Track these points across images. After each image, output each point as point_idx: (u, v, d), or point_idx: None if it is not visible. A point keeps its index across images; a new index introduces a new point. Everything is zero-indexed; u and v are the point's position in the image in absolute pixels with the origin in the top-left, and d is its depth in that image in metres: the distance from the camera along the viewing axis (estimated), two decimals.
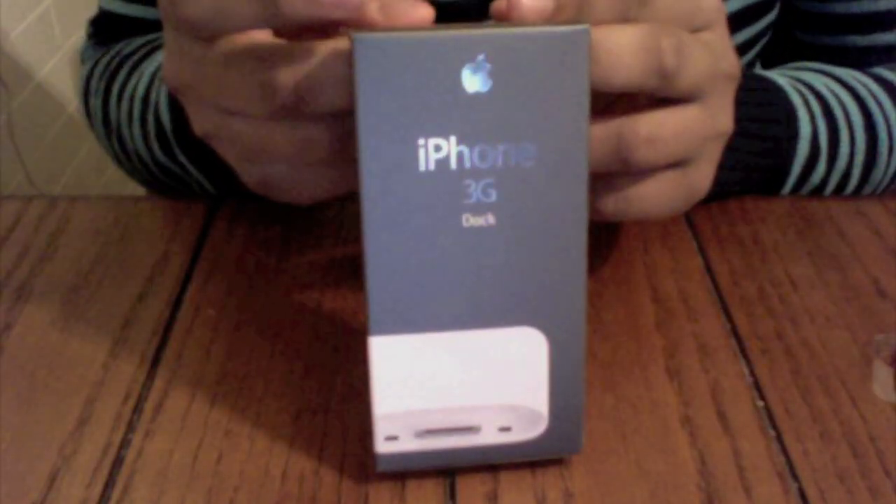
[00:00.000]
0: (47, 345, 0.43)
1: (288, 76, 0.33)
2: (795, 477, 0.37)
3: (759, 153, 0.50)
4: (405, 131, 0.30)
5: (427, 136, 0.30)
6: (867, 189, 0.55)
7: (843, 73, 0.56)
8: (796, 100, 0.52)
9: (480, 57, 0.30)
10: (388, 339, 0.33)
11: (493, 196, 0.31)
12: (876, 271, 0.48)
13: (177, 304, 0.45)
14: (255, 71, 0.34)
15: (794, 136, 0.51)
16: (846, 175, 0.54)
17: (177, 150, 0.52)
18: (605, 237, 0.50)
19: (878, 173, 0.55)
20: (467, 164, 0.31)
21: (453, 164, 0.31)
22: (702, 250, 0.49)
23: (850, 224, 0.51)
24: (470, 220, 0.31)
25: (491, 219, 0.31)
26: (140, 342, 0.43)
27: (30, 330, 0.44)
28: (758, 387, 0.41)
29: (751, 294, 0.46)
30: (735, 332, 0.44)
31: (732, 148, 0.43)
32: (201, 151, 0.47)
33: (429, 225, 0.31)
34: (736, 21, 0.56)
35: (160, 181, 0.57)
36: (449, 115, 0.30)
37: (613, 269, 0.48)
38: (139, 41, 0.59)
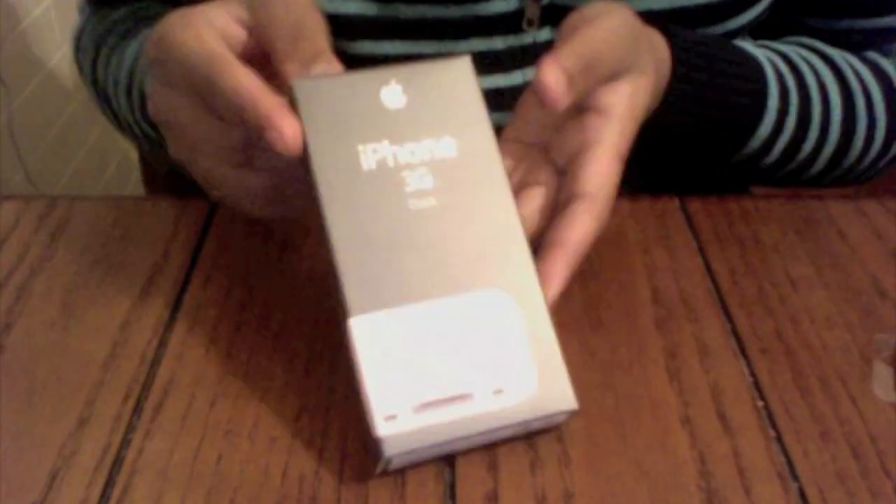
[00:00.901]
0: (47, 345, 0.43)
1: (242, 140, 0.40)
2: (795, 477, 0.37)
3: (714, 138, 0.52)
4: (346, 142, 0.37)
5: (364, 143, 0.37)
6: (836, 172, 0.56)
7: (840, 61, 0.56)
8: (772, 103, 0.52)
9: (393, 82, 0.38)
10: (367, 318, 0.35)
11: (430, 182, 0.37)
12: (876, 271, 0.48)
13: (177, 304, 0.45)
14: (217, 130, 0.40)
15: (749, 134, 0.53)
16: (806, 165, 0.56)
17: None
18: (605, 238, 0.49)
19: (848, 160, 0.56)
20: (402, 160, 0.37)
21: (390, 161, 0.37)
22: (702, 250, 0.49)
23: (850, 224, 0.51)
24: (415, 204, 0.37)
25: (433, 201, 0.37)
26: (140, 342, 0.43)
27: (30, 330, 0.44)
28: (758, 387, 0.41)
29: (751, 294, 0.46)
30: (735, 332, 0.44)
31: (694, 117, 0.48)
32: None
33: (380, 212, 0.37)
34: (735, 5, 0.56)
35: (143, 141, 0.59)
36: (378, 126, 0.38)
37: (613, 269, 0.48)
38: (127, 10, 0.62)
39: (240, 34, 0.41)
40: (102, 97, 0.60)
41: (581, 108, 0.42)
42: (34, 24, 1.53)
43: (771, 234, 0.50)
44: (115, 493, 0.36)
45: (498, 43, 0.55)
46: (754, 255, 0.49)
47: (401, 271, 0.36)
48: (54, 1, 1.59)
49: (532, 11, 0.54)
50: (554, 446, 0.38)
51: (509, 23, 0.54)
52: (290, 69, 0.39)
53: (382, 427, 0.35)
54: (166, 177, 0.75)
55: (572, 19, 0.43)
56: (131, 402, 0.40)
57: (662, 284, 0.47)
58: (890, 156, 0.57)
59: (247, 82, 0.37)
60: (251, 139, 0.40)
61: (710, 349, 0.43)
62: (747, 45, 0.54)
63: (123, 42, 0.58)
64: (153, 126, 0.54)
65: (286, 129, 0.36)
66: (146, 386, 0.41)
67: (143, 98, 0.54)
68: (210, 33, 0.40)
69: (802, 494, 0.36)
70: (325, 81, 0.38)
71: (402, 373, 0.35)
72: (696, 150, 0.53)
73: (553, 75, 0.39)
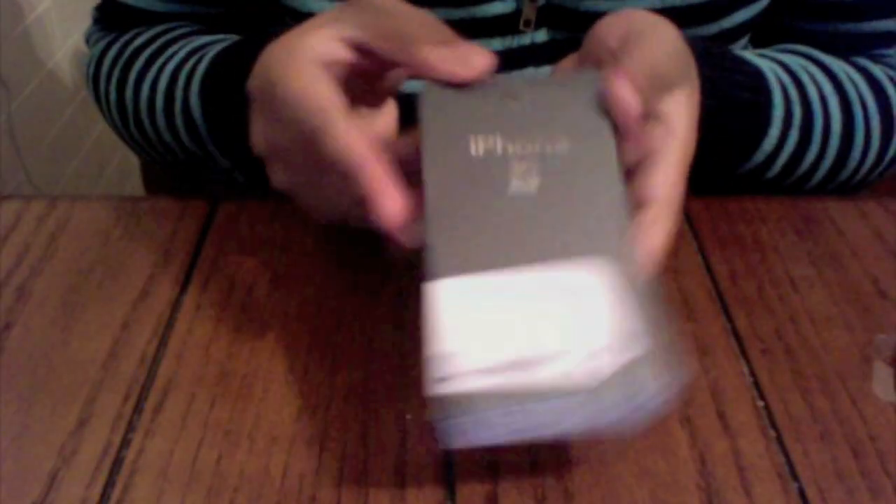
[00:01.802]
0: (47, 345, 0.43)
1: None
2: (795, 477, 0.37)
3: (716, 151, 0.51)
4: (459, 130, 0.37)
5: (477, 133, 0.37)
6: (832, 186, 0.56)
7: (839, 71, 0.56)
8: (777, 114, 0.52)
9: (518, 87, 0.39)
10: (446, 283, 0.34)
11: (536, 171, 0.36)
12: (876, 271, 0.48)
13: (177, 304, 0.45)
14: (326, 172, 0.39)
15: (753, 150, 0.52)
16: (806, 177, 0.55)
17: (209, 144, 0.54)
18: None
19: (846, 172, 0.56)
20: (511, 151, 0.37)
21: (499, 151, 0.37)
22: (702, 250, 0.49)
23: (850, 224, 0.51)
24: (516, 187, 0.36)
25: (535, 187, 0.36)
26: (140, 342, 0.43)
27: (30, 330, 0.44)
28: (758, 387, 0.41)
29: (751, 294, 0.46)
30: (735, 332, 0.44)
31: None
32: (233, 146, 0.51)
33: (479, 190, 0.36)
34: (728, 4, 0.56)
35: (181, 162, 0.58)
36: (493, 121, 0.38)
37: None
38: (150, 33, 0.61)
39: (345, 56, 0.40)
40: (133, 121, 0.59)
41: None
42: (34, 24, 1.53)
43: (771, 234, 0.50)
44: (115, 493, 0.36)
45: (496, 44, 0.55)
46: (754, 255, 0.49)
47: (490, 244, 0.35)
48: (54, 1, 1.59)
49: (529, 12, 0.54)
50: (554, 447, 0.38)
51: (507, 24, 0.54)
52: (431, 53, 0.38)
53: (439, 386, 0.31)
54: (166, 177, 0.75)
55: (614, 27, 0.41)
56: (131, 402, 0.40)
57: (662, 284, 0.47)
58: (882, 166, 0.57)
59: (354, 146, 0.36)
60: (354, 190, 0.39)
61: (710, 349, 0.43)
62: (749, 55, 0.54)
63: (154, 64, 0.58)
64: (201, 145, 0.54)
65: (386, 207, 0.36)
66: (146, 386, 0.41)
67: (188, 120, 0.54)
68: (317, 74, 0.38)
69: (802, 494, 0.36)
70: (453, 88, 0.39)
71: (470, 339, 0.32)
72: (699, 162, 0.53)
73: (625, 87, 0.38)
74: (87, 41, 0.67)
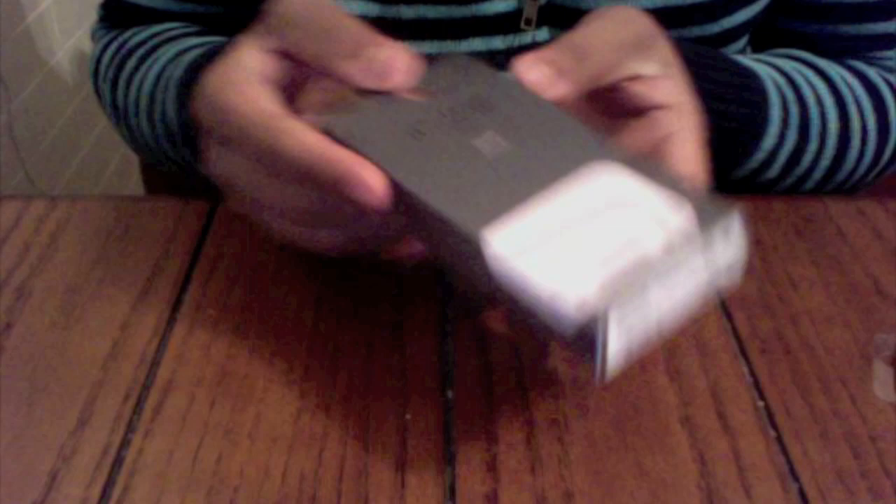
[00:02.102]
0: (47, 345, 0.43)
1: (311, 201, 0.38)
2: (795, 477, 0.37)
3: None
4: (389, 132, 0.37)
5: (416, 135, 0.37)
6: (828, 187, 0.57)
7: (834, 74, 0.56)
8: (775, 113, 0.52)
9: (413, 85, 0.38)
10: (496, 238, 0.32)
11: (495, 136, 0.37)
12: (876, 271, 0.48)
13: (177, 304, 0.45)
14: (283, 193, 0.38)
15: (753, 146, 0.52)
16: (803, 178, 0.55)
17: (186, 152, 0.53)
18: None
19: (842, 174, 0.56)
20: (461, 134, 0.37)
21: (450, 137, 0.37)
22: None
23: (850, 224, 0.51)
24: (489, 152, 0.36)
25: (503, 144, 0.36)
26: (140, 342, 0.43)
27: (30, 330, 0.44)
28: (758, 387, 0.41)
29: (751, 294, 0.46)
30: (735, 332, 0.44)
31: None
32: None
33: (457, 164, 0.36)
34: (728, 4, 0.56)
35: (168, 164, 0.58)
36: (411, 112, 0.38)
37: None
38: (147, 32, 0.61)
39: (280, 67, 0.39)
40: (123, 121, 0.60)
41: (637, 110, 0.40)
42: (34, 24, 1.53)
43: (771, 234, 0.50)
44: (115, 493, 0.36)
45: (498, 42, 0.55)
46: (754, 255, 0.49)
47: (505, 194, 0.34)
48: (54, 1, 1.59)
49: (530, 11, 0.54)
50: (554, 446, 0.38)
51: (509, 22, 0.54)
52: (344, 67, 0.37)
53: (577, 315, 0.31)
54: (166, 177, 0.75)
55: (584, 20, 0.42)
56: (131, 402, 0.40)
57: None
58: (878, 168, 0.58)
59: (311, 141, 0.36)
60: (321, 200, 0.38)
61: (710, 349, 0.43)
62: (743, 59, 0.54)
63: (143, 65, 0.58)
64: (179, 151, 0.54)
65: (370, 180, 0.34)
66: (146, 386, 0.41)
67: (167, 126, 0.54)
68: (256, 90, 0.38)
69: (802, 494, 0.36)
70: (349, 112, 0.38)
71: (562, 266, 0.32)
72: None
73: (531, 72, 0.38)
74: (93, 38, 0.67)
